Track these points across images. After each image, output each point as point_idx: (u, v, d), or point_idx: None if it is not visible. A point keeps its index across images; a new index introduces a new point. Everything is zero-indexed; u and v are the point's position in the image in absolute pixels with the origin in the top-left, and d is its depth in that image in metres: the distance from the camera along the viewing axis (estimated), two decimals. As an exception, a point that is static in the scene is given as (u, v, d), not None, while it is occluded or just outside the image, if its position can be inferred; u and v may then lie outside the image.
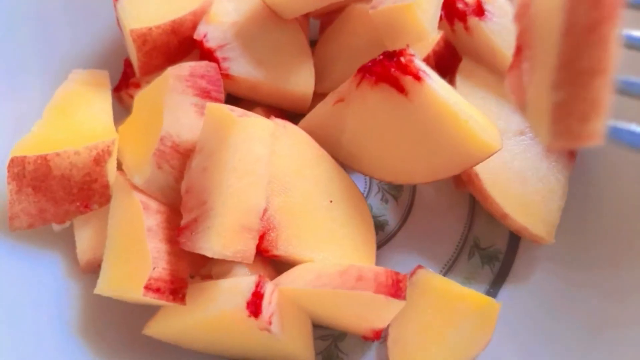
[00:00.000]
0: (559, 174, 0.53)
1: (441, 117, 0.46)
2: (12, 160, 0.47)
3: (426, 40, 0.52)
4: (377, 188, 0.59)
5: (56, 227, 0.50)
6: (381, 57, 0.48)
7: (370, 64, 0.49)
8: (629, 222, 0.52)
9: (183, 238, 0.44)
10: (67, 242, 0.52)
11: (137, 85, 0.57)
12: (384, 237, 0.57)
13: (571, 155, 0.54)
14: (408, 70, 0.47)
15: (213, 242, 0.43)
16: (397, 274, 0.44)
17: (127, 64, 0.59)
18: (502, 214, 0.51)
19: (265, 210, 0.47)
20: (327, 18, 0.61)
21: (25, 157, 0.47)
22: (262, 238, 0.47)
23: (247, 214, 0.45)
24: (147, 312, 0.48)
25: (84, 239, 0.50)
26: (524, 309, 0.52)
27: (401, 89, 0.47)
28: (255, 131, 0.46)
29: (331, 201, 0.50)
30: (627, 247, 0.51)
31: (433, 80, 0.47)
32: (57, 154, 0.47)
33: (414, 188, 0.59)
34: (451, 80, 0.54)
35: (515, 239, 0.56)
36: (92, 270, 0.50)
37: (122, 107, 0.59)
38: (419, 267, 0.52)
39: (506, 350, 0.50)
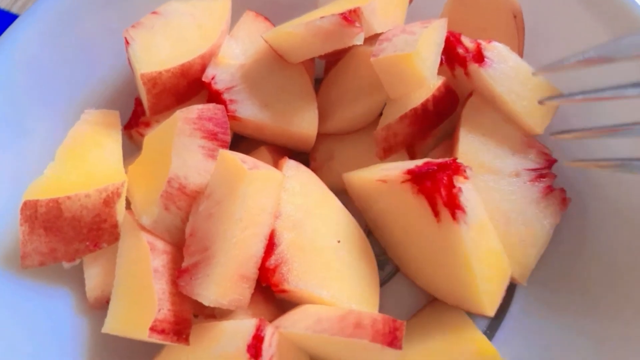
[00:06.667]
0: (544, 221, 0.53)
1: (456, 260, 0.48)
2: (24, 204, 0.48)
3: (426, 86, 0.53)
4: (378, 228, 0.60)
5: (66, 264, 0.51)
6: (436, 167, 0.49)
7: (425, 169, 0.49)
8: (624, 272, 0.52)
9: (182, 282, 0.46)
10: (76, 278, 0.53)
11: (147, 124, 0.58)
12: (383, 277, 0.58)
13: (563, 202, 0.55)
14: (451, 201, 0.48)
15: (211, 290, 0.44)
16: (394, 321, 0.44)
17: (138, 102, 0.60)
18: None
19: (277, 245, 0.48)
20: (332, 58, 0.62)
21: (37, 200, 0.48)
22: (273, 272, 0.47)
23: (247, 264, 0.46)
24: (153, 349, 0.49)
25: (93, 276, 0.52)
26: (519, 353, 0.52)
27: (436, 213, 0.48)
28: (265, 184, 0.47)
29: (339, 241, 0.51)
30: (623, 297, 0.51)
31: (467, 224, 0.48)
32: (69, 197, 0.48)
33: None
34: (457, 116, 0.56)
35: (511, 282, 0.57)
36: (101, 306, 0.51)
37: (132, 144, 0.60)
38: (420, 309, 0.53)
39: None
